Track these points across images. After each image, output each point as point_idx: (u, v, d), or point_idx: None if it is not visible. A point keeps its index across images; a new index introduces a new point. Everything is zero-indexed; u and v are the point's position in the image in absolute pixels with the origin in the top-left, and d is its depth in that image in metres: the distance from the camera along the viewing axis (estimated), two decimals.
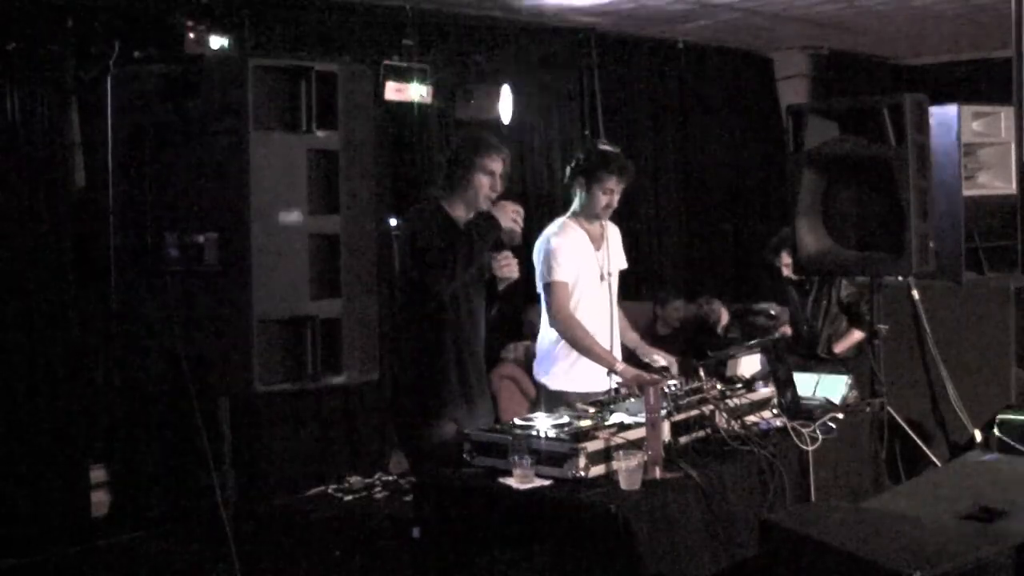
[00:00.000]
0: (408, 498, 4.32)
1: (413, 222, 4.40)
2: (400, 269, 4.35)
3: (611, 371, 4.73)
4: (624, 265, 5.12)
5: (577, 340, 4.77)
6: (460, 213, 4.47)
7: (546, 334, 4.92)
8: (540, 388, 4.98)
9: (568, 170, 4.93)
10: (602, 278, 4.90)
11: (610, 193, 4.81)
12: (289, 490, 5.94)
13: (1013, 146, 5.96)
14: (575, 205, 4.91)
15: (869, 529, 3.08)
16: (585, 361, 4.80)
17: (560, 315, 4.76)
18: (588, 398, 4.52)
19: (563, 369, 4.86)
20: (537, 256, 4.85)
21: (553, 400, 4.77)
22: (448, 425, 4.37)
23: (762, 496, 4.00)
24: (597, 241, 4.91)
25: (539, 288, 4.85)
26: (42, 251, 5.73)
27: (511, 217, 4.43)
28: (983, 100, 6.19)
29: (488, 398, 4.68)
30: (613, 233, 5.03)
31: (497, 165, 4.47)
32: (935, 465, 5.30)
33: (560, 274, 4.76)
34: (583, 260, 4.84)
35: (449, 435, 4.33)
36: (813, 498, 4.13)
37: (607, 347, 4.84)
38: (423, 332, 4.36)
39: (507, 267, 4.46)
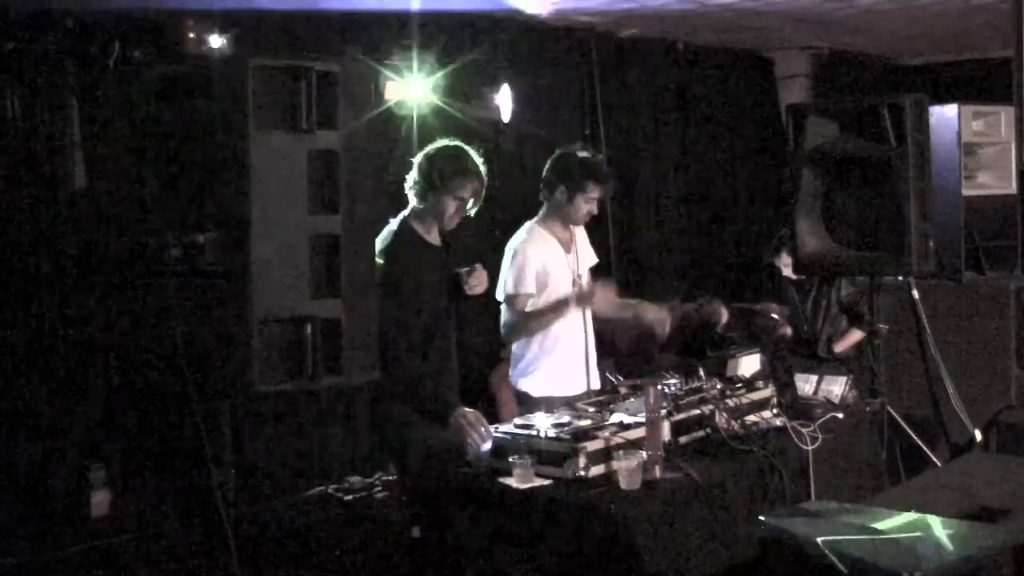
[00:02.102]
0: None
1: (382, 247, 4.25)
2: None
3: (572, 304, 4.69)
4: (594, 260, 5.05)
5: (532, 328, 4.72)
6: (429, 232, 4.40)
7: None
8: (519, 394, 4.86)
9: (546, 175, 4.83)
10: (574, 282, 4.82)
11: (592, 202, 4.78)
12: (289, 490, 5.94)
13: (1013, 146, 5.96)
14: (548, 209, 4.84)
15: (869, 529, 3.08)
16: (556, 365, 4.75)
17: (507, 327, 4.74)
18: (561, 401, 4.49)
19: (538, 371, 4.79)
20: (505, 264, 4.78)
21: (530, 405, 4.66)
22: (425, 429, 4.30)
23: (762, 496, 4.00)
24: (567, 244, 4.84)
25: (500, 296, 4.77)
26: (42, 251, 5.72)
27: (468, 433, 4.00)
28: (983, 100, 6.20)
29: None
30: (580, 232, 4.96)
31: (467, 192, 4.34)
32: (935, 465, 5.31)
33: (522, 287, 4.69)
34: (554, 266, 4.76)
35: (426, 440, 4.28)
36: (813, 498, 4.14)
37: (582, 346, 4.79)
38: (393, 340, 4.26)
39: (476, 287, 4.39)
